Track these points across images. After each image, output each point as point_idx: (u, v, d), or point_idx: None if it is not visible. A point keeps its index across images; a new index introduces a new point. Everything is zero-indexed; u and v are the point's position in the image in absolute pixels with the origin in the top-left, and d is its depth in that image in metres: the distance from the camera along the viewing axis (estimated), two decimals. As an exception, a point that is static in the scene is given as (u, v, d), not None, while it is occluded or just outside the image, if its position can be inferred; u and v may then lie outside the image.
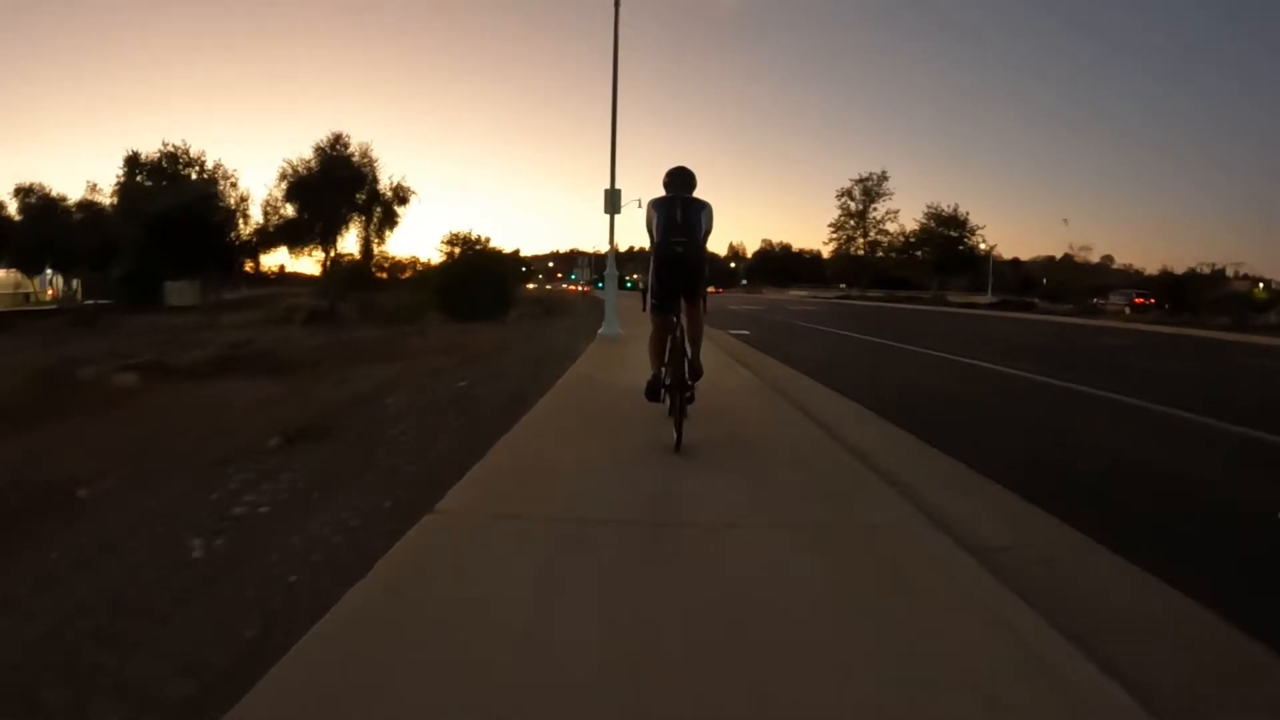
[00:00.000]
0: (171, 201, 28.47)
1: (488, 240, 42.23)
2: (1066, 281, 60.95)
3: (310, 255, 34.37)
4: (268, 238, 35.39)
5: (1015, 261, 74.47)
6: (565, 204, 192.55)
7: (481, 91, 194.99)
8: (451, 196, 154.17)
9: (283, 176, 33.19)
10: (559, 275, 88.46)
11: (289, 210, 34.31)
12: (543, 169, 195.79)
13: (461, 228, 47.61)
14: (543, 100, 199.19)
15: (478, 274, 22.45)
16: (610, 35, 10.99)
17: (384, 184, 36.44)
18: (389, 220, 35.52)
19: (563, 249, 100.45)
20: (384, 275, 52.83)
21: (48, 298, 44.38)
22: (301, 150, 34.98)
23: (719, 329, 16.23)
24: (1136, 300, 41.68)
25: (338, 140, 34.00)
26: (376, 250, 37.91)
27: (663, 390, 4.41)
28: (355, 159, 34.30)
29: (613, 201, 11.05)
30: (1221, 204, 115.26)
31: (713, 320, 17.74)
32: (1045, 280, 56.05)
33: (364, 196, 33.58)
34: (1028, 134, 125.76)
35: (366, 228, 34.45)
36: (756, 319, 22.98)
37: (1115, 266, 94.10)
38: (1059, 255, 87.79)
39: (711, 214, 4.53)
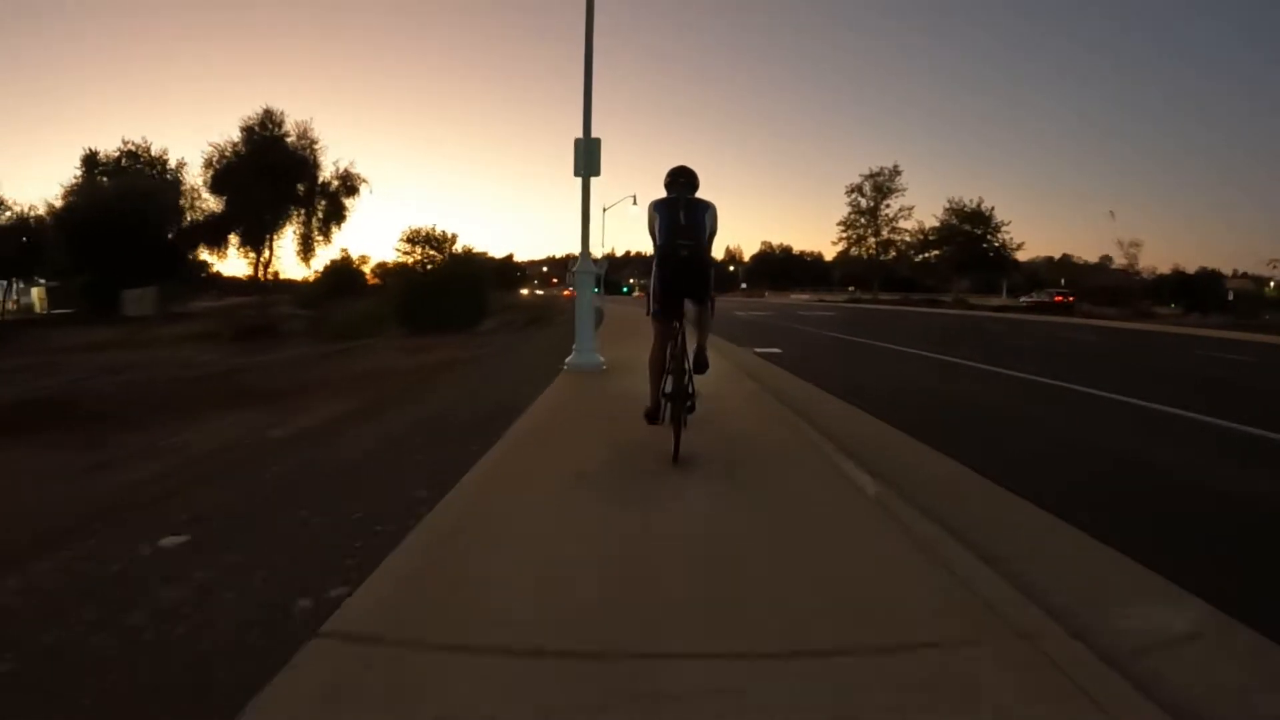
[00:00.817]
0: (91, 201, 23.85)
1: (454, 238, 36.21)
2: (1076, 281, 56.91)
3: (245, 257, 29.02)
4: (188, 235, 29.52)
5: (1014, 263, 70.21)
6: (562, 209, 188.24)
7: (482, 96, 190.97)
8: (447, 202, 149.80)
9: (208, 164, 27.60)
10: (555, 280, 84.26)
11: (212, 203, 28.66)
12: (539, 175, 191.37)
13: (426, 224, 40.73)
14: (541, 106, 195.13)
15: (446, 280, 18.32)
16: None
17: (328, 171, 29.91)
18: (336, 214, 29.62)
19: (559, 254, 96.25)
20: (377, 280, 48.31)
21: (11, 308, 40.42)
22: (233, 131, 29.40)
23: (738, 345, 12.12)
24: (1055, 299, 41.46)
25: (269, 118, 28.24)
26: (348, 252, 31.71)
27: (662, 401, 4.05)
28: (291, 141, 28.42)
29: (585, 156, 6.88)
30: (1222, 205, 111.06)
31: (725, 331, 13.63)
32: (1063, 281, 51.70)
33: (304, 186, 27.74)
34: (1024, 135, 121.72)
35: (308, 223, 28.70)
36: (776, 329, 18.80)
37: (1114, 267, 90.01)
38: (1057, 256, 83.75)
39: (716, 215, 4.18)
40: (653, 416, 4.16)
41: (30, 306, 41.68)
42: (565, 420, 4.94)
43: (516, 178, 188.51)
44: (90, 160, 36.71)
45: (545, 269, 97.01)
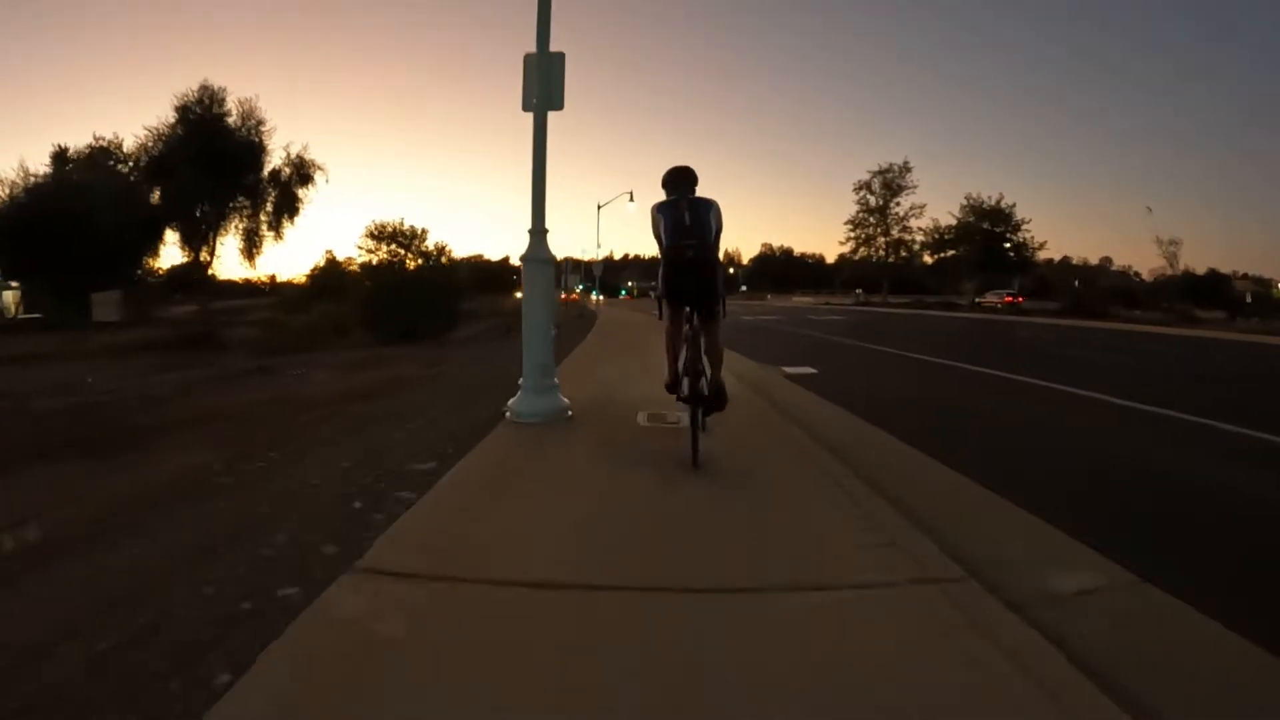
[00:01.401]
0: (36, 197, 20.61)
1: (424, 233, 32.24)
2: (1091, 283, 53.93)
3: (188, 256, 25.02)
4: (127, 232, 24.75)
5: (1033, 264, 66.71)
6: (564, 211, 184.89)
7: (484, 98, 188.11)
8: (447, 208, 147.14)
9: (143, 151, 23.46)
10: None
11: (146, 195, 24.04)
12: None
13: (392, 219, 35.82)
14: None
15: (414, 283, 15.58)
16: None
17: (278, 157, 24.60)
18: (288, 206, 24.67)
19: (558, 257, 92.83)
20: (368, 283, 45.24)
21: (-14, 312, 37.64)
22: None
23: (759, 362, 9.44)
24: (1006, 299, 43.03)
25: (208, 95, 23.03)
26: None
27: (682, 379, 3.84)
28: (233, 121, 23.47)
29: (541, 78, 4.09)
30: (1219, 206, 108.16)
31: (735, 339, 10.40)
32: (1076, 283, 48.77)
33: (250, 175, 23.18)
34: (1023, 136, 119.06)
35: (254, 216, 24.66)
36: (794, 338, 16.05)
37: (1115, 268, 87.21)
38: (1058, 258, 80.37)
39: (720, 212, 3.99)
40: (672, 388, 4.00)
41: (3, 311, 38.90)
42: (443, 600, 2.14)
43: (516, 180, 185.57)
44: (60, 157, 33.87)
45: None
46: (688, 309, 3.79)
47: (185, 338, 16.08)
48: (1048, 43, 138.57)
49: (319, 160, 24.75)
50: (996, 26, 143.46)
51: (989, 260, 43.79)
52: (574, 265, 41.72)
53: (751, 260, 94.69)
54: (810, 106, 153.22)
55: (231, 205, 22.54)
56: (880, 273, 50.81)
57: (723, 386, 3.76)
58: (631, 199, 28.51)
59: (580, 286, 44.19)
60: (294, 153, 25.21)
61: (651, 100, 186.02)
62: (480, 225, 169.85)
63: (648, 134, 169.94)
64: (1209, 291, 48.73)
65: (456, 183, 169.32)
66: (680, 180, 4.06)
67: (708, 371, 3.71)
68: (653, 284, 4.07)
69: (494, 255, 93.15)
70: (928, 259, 48.68)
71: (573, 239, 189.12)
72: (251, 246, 23.90)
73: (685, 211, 3.86)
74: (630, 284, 62.97)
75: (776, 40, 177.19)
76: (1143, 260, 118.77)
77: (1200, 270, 53.86)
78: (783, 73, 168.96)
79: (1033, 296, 47.24)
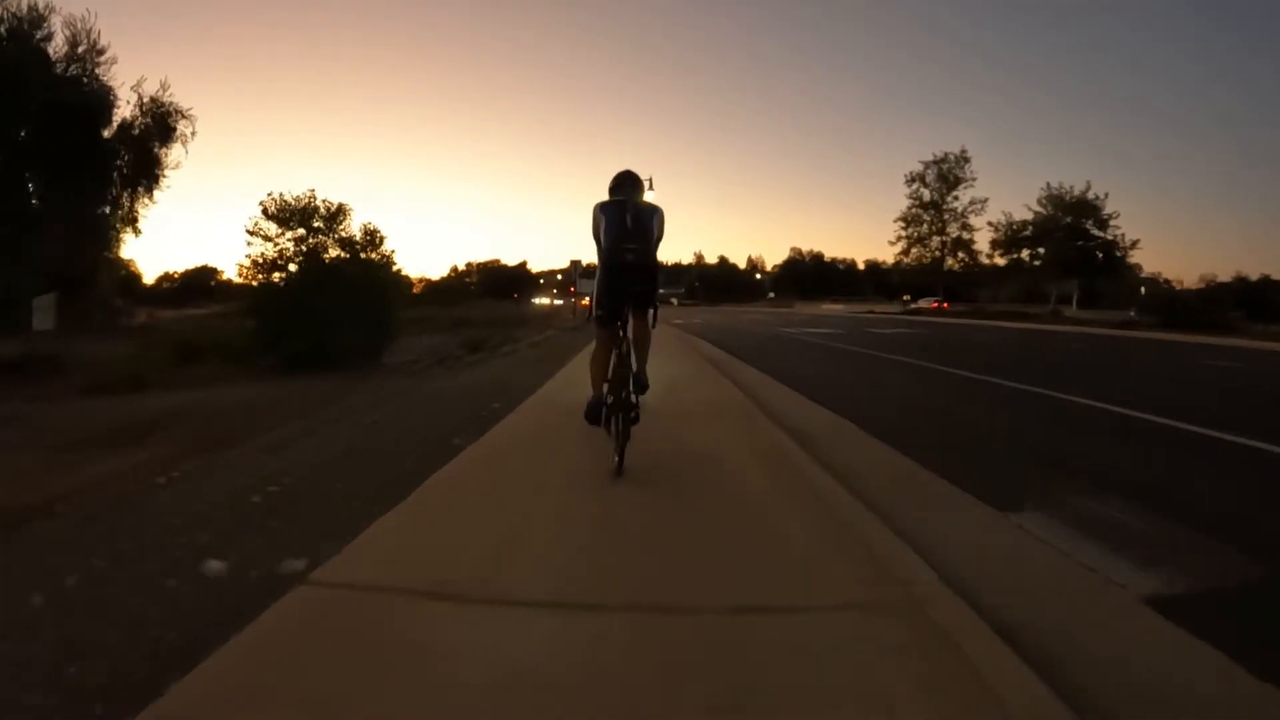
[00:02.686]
0: None
1: (346, 212, 19.18)
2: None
3: None
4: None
5: (1125, 264, 59.39)
6: (576, 215, 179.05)
7: (498, 105, 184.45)
8: (466, 217, 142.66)
9: None
10: (572, 289, 76.39)
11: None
12: (550, 183, 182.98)
13: (301, 194, 22.46)
14: (548, 113, 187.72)
15: (314, 290, 10.38)
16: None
17: (128, 105, 16.13)
18: (146, 173, 15.85)
19: (568, 261, 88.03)
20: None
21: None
22: None
23: (878, 431, 3.87)
24: (933, 304, 43.23)
25: (12, 12, 14.21)
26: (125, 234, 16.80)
27: (604, 410, 3.67)
28: (54, 49, 14.64)
29: None
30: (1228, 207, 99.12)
31: (802, 379, 6.12)
32: (1142, 290, 42.16)
33: (88, 129, 14.71)
34: (1047, 135, 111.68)
35: (99, 192, 15.45)
36: (893, 375, 10.50)
37: (1144, 274, 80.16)
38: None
39: (663, 219, 3.85)
40: (593, 417, 3.72)
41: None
42: None
43: (531, 184, 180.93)
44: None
45: (559, 277, 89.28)
46: (620, 330, 3.61)
47: (6, 362, 11.11)
48: (1046, 40, 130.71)
49: (184, 107, 16.63)
50: (1023, 26, 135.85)
51: (1077, 261, 36.62)
52: (585, 271, 36.66)
53: (777, 266, 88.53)
54: (843, 104, 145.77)
55: (62, 180, 15.23)
56: (933, 277, 44.33)
57: (645, 377, 3.63)
58: (651, 186, 23.22)
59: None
60: (148, 95, 16.28)
61: (669, 97, 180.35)
62: (492, 228, 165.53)
63: (663, 133, 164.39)
64: (1255, 299, 41.84)
65: (464, 185, 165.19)
66: (625, 183, 3.90)
67: (634, 366, 3.55)
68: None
69: (510, 259, 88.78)
70: (999, 259, 42.08)
71: (586, 242, 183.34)
72: (95, 235, 16.40)
73: (628, 214, 3.65)
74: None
75: (804, 34, 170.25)
76: (1164, 263, 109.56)
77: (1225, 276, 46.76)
78: (812, 67, 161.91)
79: (1089, 305, 41.14)
